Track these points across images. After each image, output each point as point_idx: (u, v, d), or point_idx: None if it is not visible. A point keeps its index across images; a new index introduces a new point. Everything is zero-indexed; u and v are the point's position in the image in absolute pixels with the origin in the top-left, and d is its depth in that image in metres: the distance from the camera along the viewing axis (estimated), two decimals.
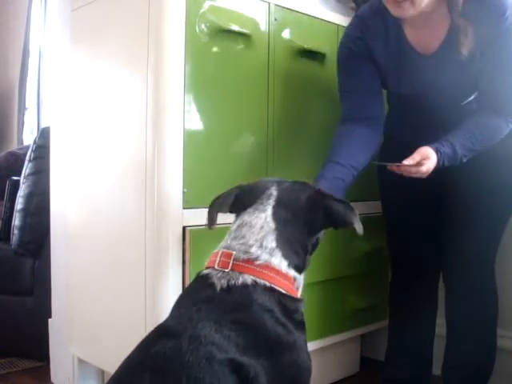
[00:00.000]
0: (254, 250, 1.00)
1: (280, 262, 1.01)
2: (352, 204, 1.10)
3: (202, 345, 0.86)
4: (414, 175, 1.41)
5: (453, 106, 1.51)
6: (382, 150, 1.70)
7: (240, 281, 0.96)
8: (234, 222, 1.09)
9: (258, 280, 0.97)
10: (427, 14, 1.40)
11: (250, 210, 1.07)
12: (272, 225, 1.03)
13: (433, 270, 1.72)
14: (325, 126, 1.80)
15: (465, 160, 1.45)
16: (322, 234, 1.14)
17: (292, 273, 1.03)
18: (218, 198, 1.16)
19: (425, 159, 1.39)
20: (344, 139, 1.55)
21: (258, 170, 1.60)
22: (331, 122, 1.81)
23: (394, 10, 1.40)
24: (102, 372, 1.84)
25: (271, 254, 1.01)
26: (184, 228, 1.41)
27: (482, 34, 1.39)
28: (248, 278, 0.97)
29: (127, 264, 1.51)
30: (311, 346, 1.76)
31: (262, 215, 1.04)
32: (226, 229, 1.46)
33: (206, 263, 1.05)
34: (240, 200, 1.11)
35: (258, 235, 1.02)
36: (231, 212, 1.14)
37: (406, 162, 1.39)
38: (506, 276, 1.75)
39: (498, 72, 1.43)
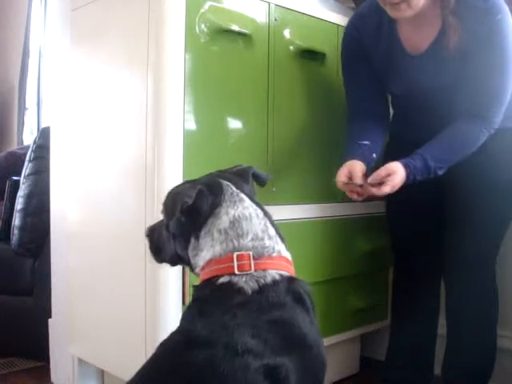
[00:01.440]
0: (267, 243, 0.97)
1: (284, 248, 1.00)
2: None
3: (238, 355, 0.83)
4: (379, 195, 1.41)
5: (446, 105, 1.51)
6: (386, 148, 1.70)
7: (269, 279, 0.93)
8: (217, 218, 0.98)
9: (282, 273, 0.96)
10: (422, 13, 1.42)
11: (226, 203, 0.99)
12: (259, 211, 1.00)
13: (434, 271, 1.72)
14: (325, 125, 1.80)
15: (440, 172, 1.44)
16: None
17: (288, 254, 1.02)
18: (174, 189, 1.05)
19: (390, 174, 1.40)
20: (360, 136, 1.59)
21: None
22: (331, 122, 1.81)
23: (390, 12, 1.43)
24: (102, 372, 1.84)
25: (276, 242, 0.99)
26: None
27: (470, 33, 1.40)
28: (275, 274, 0.94)
29: (127, 264, 1.51)
30: None
31: (246, 204, 0.99)
32: None
33: (207, 273, 0.97)
34: (206, 192, 1.00)
35: (260, 225, 0.98)
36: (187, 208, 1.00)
37: (371, 179, 1.40)
38: (506, 276, 1.74)
39: (481, 74, 1.43)
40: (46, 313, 2.01)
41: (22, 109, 4.02)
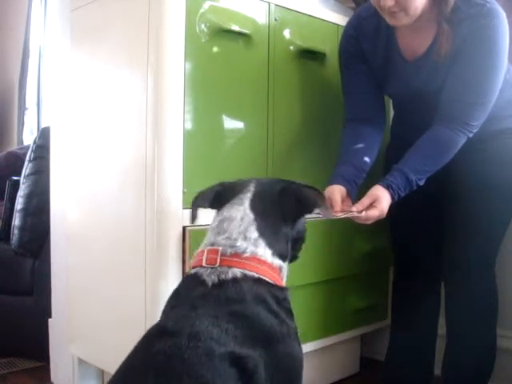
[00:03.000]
0: (239, 243, 1.02)
1: (265, 252, 1.03)
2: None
3: (201, 341, 0.87)
4: (367, 222, 1.40)
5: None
6: (387, 150, 1.71)
7: (230, 275, 0.98)
8: (215, 218, 1.10)
9: (247, 272, 0.99)
10: (420, 18, 1.42)
11: (228, 205, 1.09)
12: (251, 215, 1.05)
13: (434, 271, 1.72)
14: (325, 125, 1.80)
15: (421, 183, 1.44)
16: (301, 226, 1.16)
17: (277, 262, 1.05)
18: (199, 193, 1.17)
19: (375, 201, 1.39)
20: (353, 141, 1.58)
21: (257, 170, 1.59)
22: (331, 122, 1.82)
23: (388, 19, 1.44)
24: (102, 372, 1.84)
25: (255, 244, 1.02)
26: (184, 228, 1.41)
27: (463, 38, 1.40)
28: (237, 272, 0.99)
29: (127, 264, 1.51)
30: (311, 346, 1.77)
31: (241, 208, 1.06)
32: None
33: (192, 263, 1.05)
34: (221, 196, 1.13)
35: (240, 227, 1.03)
36: (212, 208, 1.14)
37: (355, 208, 1.39)
38: (506, 276, 1.75)
39: (467, 77, 1.42)
40: (45, 313, 2.01)
41: (22, 109, 4.02)
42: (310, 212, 1.12)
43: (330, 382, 1.97)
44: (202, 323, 0.90)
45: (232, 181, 1.17)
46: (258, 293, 0.98)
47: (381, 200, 1.39)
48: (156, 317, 1.40)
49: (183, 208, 1.41)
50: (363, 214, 1.38)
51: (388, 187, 1.41)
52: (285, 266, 1.08)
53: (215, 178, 1.48)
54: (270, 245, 1.04)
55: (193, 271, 1.02)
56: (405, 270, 1.77)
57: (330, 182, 1.50)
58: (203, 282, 0.98)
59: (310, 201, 1.10)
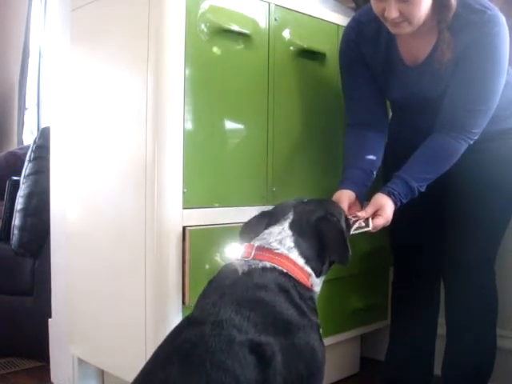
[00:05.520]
0: (274, 244, 1.12)
1: (297, 258, 1.12)
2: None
3: (223, 329, 0.93)
4: (374, 230, 1.41)
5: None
6: (386, 150, 1.71)
7: (260, 265, 1.07)
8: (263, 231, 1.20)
9: (276, 266, 1.07)
10: (421, 27, 1.41)
11: (272, 226, 1.19)
12: (289, 232, 1.15)
13: (434, 271, 1.72)
14: (325, 125, 1.80)
15: (423, 189, 1.45)
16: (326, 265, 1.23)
17: (308, 269, 1.12)
18: (247, 224, 1.28)
19: (379, 210, 1.40)
20: (358, 145, 1.59)
21: (257, 170, 1.60)
22: (331, 122, 1.82)
23: (391, 28, 1.44)
24: (102, 372, 1.84)
25: (289, 250, 1.12)
26: (184, 228, 1.41)
27: (464, 45, 1.40)
28: (267, 263, 1.07)
29: (127, 264, 1.51)
30: None
31: (280, 228, 1.16)
32: (225, 229, 1.47)
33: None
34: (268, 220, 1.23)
35: (278, 236, 1.14)
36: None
37: (360, 214, 1.40)
38: (506, 276, 1.75)
39: (468, 84, 1.42)
40: (45, 313, 2.01)
41: (22, 109, 4.02)
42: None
43: (329, 382, 1.97)
44: (225, 311, 0.96)
45: (274, 208, 1.27)
46: (283, 283, 1.05)
47: (385, 208, 1.40)
48: (156, 317, 1.40)
49: (183, 208, 1.41)
50: (370, 226, 1.39)
51: (390, 194, 1.41)
52: (315, 279, 1.15)
53: (215, 178, 1.49)
54: (303, 255, 1.12)
55: (229, 263, 1.12)
56: (404, 270, 1.76)
57: (339, 187, 1.51)
58: (235, 271, 1.07)
59: (332, 255, 1.21)
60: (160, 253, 1.40)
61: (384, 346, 1.82)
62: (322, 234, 1.17)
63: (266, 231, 1.17)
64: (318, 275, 1.16)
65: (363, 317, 1.95)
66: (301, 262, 1.11)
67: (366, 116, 1.61)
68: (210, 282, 1.11)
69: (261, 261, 1.08)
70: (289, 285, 1.05)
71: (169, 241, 1.40)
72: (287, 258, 1.10)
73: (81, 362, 1.80)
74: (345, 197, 1.46)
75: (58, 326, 1.94)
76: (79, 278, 1.75)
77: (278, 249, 1.11)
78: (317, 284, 1.17)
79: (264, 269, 1.06)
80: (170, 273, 1.40)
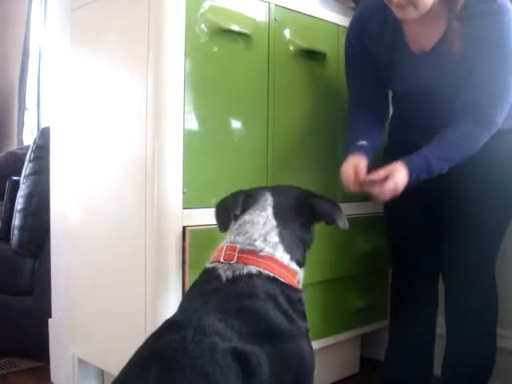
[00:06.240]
0: (258, 243, 1.06)
1: (283, 256, 1.07)
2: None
3: (205, 335, 0.89)
4: (383, 195, 1.40)
5: (448, 104, 1.50)
6: (385, 152, 1.71)
7: (245, 271, 1.02)
8: (235, 222, 1.15)
9: (262, 270, 1.03)
10: (428, 12, 1.41)
11: (250, 211, 1.14)
12: (274, 222, 1.10)
13: (433, 270, 1.71)
14: (325, 125, 1.80)
15: (443, 171, 1.44)
16: (314, 229, 1.21)
17: (294, 266, 1.08)
18: (223, 201, 1.21)
19: (391, 173, 1.39)
20: (360, 125, 1.62)
21: (257, 170, 1.60)
22: (331, 122, 1.82)
23: (396, 12, 1.43)
24: (102, 372, 1.84)
25: (274, 248, 1.07)
26: (184, 228, 1.41)
27: (475, 35, 1.40)
28: (253, 269, 1.02)
29: (127, 264, 1.51)
30: None
31: (264, 214, 1.11)
32: None
33: (211, 258, 1.09)
34: (242, 204, 1.17)
35: (262, 230, 1.08)
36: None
37: (371, 178, 1.41)
38: (506, 276, 1.74)
39: (485, 75, 1.42)
40: (45, 313, 2.01)
41: (22, 109, 4.02)
42: (328, 225, 1.19)
43: (330, 382, 1.97)
44: (208, 318, 0.92)
45: (248, 189, 1.21)
46: (270, 290, 1.01)
47: (396, 173, 1.38)
48: (156, 317, 1.40)
49: (183, 208, 1.41)
50: (378, 189, 1.38)
51: (407, 165, 1.40)
52: (300, 271, 1.12)
53: (215, 178, 1.49)
54: (288, 250, 1.08)
55: (210, 266, 1.06)
56: (403, 271, 1.76)
57: (352, 153, 1.53)
58: (218, 277, 1.02)
59: (328, 215, 1.16)
60: (160, 253, 1.40)
61: (384, 346, 1.82)
62: (310, 211, 1.16)
63: (248, 218, 1.11)
64: (301, 266, 1.13)
65: (363, 317, 1.95)
66: (287, 259, 1.07)
67: (367, 98, 1.64)
68: (193, 286, 1.08)
69: (245, 265, 1.03)
70: (276, 290, 1.01)
71: (169, 241, 1.40)
72: (273, 259, 1.05)
73: (81, 361, 1.80)
74: (362, 162, 1.48)
75: (58, 326, 1.94)
76: (79, 278, 1.75)
77: (262, 250, 1.05)
78: (301, 277, 1.14)
79: (250, 275, 1.01)
80: (170, 273, 1.40)
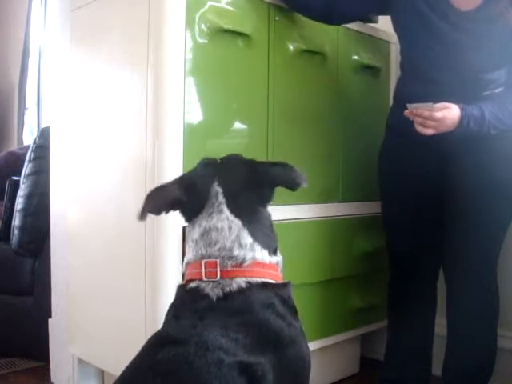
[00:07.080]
0: (236, 252, 0.99)
1: (262, 255, 1.01)
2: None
3: (209, 351, 0.86)
4: (427, 123, 1.36)
5: (466, 77, 1.47)
6: (384, 142, 1.70)
7: (234, 286, 0.96)
8: (192, 228, 1.04)
9: (250, 280, 0.97)
10: None
11: (203, 215, 1.02)
12: (238, 222, 1.01)
13: (431, 270, 1.71)
14: (325, 125, 1.80)
15: (493, 132, 1.42)
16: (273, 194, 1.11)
17: (274, 259, 1.03)
18: (158, 190, 1.07)
19: (444, 106, 1.37)
20: None
21: None
22: (331, 122, 1.82)
23: None
24: (102, 372, 1.84)
25: (252, 249, 1.00)
26: (184, 228, 1.41)
27: None
28: (241, 282, 0.97)
29: (127, 264, 1.51)
30: (311, 346, 1.74)
31: (223, 216, 1.01)
32: None
33: (187, 274, 1.02)
34: (185, 200, 1.05)
35: (232, 236, 1.00)
36: (173, 210, 1.07)
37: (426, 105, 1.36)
38: (506, 276, 1.74)
39: None
40: (45, 313, 2.01)
41: (22, 109, 4.03)
42: (292, 190, 1.12)
43: (330, 382, 1.97)
44: (210, 333, 0.89)
45: (188, 177, 1.10)
46: (265, 298, 0.97)
47: (450, 108, 1.37)
48: (156, 318, 1.40)
49: None
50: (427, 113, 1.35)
51: (462, 109, 1.39)
52: (279, 258, 1.06)
53: None
54: (264, 246, 1.02)
55: (193, 285, 0.98)
56: (402, 271, 1.75)
57: None
58: (206, 296, 0.96)
59: (285, 179, 1.10)
60: (160, 253, 1.40)
61: (384, 346, 1.82)
62: (265, 185, 1.07)
63: (207, 225, 1.00)
64: (277, 251, 1.06)
65: (363, 317, 1.95)
66: (267, 256, 1.01)
67: None
68: (177, 305, 1.00)
69: (232, 279, 0.96)
70: (271, 296, 0.98)
71: (169, 241, 1.40)
72: (256, 263, 0.99)
73: (81, 361, 1.80)
74: None
75: (57, 326, 1.94)
76: (79, 278, 1.75)
77: (243, 257, 0.98)
78: (281, 262, 1.07)
79: (241, 290, 0.95)
80: (170, 273, 1.40)
